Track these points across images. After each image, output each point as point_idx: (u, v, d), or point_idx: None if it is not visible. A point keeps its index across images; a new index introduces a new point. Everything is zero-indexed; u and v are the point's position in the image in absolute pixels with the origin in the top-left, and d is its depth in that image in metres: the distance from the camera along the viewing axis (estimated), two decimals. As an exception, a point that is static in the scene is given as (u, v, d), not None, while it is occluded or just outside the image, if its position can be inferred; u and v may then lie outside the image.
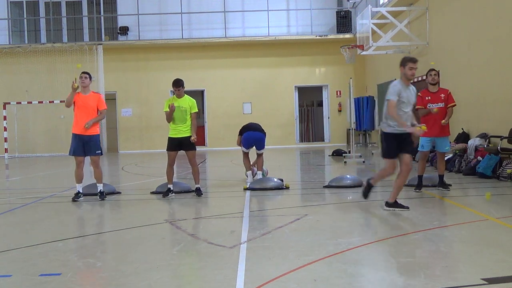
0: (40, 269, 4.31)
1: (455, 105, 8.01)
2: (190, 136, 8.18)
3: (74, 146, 8.00)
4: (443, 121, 7.84)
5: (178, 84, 8.13)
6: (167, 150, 8.33)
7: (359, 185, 8.49)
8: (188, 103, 8.15)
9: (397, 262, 4.23)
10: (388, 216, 6.53)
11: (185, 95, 8.25)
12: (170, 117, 8.11)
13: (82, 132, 7.91)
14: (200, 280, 4.02)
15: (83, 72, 8.12)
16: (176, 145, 8.21)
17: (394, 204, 6.51)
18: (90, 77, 8.16)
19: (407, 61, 6.71)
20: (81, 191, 8.12)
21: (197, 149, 8.39)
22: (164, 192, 8.27)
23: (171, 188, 8.27)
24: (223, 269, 4.22)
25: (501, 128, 10.16)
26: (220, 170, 13.15)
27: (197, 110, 8.31)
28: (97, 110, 8.06)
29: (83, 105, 7.96)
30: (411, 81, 6.81)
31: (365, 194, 6.96)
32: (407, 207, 6.45)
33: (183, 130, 8.15)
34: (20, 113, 21.20)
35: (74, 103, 7.99)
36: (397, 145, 6.46)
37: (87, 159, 8.21)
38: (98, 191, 8.12)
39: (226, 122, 21.21)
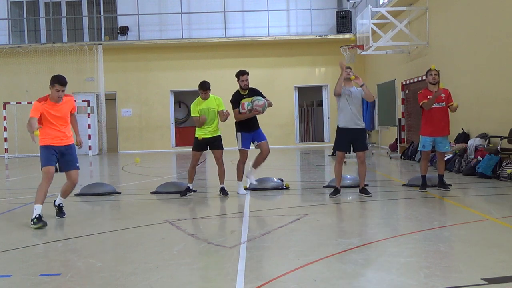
0: (40, 269, 4.31)
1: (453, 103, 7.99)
2: (217, 136, 8.25)
3: (47, 156, 6.50)
4: (454, 104, 7.84)
5: (205, 87, 8.13)
6: (193, 150, 8.31)
7: (359, 185, 8.50)
8: (215, 102, 8.17)
9: (397, 262, 4.23)
10: (388, 216, 6.54)
11: (210, 95, 8.24)
12: (201, 124, 8.11)
13: (59, 142, 6.48)
14: (200, 280, 4.02)
15: (61, 84, 6.25)
16: (203, 145, 8.23)
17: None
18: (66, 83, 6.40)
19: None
20: (41, 213, 6.20)
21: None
22: (182, 192, 8.30)
23: (191, 188, 8.30)
24: (223, 269, 4.22)
25: (501, 128, 10.16)
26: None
27: (224, 108, 8.21)
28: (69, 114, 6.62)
29: (57, 115, 6.38)
30: None
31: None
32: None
33: (211, 130, 8.19)
34: (20, 113, 21.18)
35: (40, 115, 6.32)
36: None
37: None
38: (57, 204, 6.83)
39: (226, 122, 21.16)
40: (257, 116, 8.30)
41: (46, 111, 6.31)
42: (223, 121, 8.20)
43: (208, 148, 8.30)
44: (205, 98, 8.15)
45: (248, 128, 8.26)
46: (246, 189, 8.63)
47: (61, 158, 6.57)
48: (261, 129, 8.43)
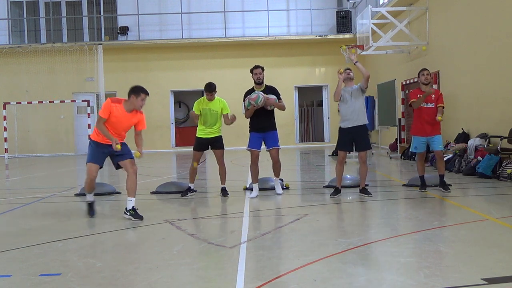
0: (40, 269, 4.31)
1: (443, 106, 7.86)
2: (219, 136, 8.23)
3: (95, 152, 6.58)
4: (438, 117, 7.73)
5: (210, 88, 8.09)
6: (194, 149, 8.31)
7: (359, 185, 8.50)
8: (219, 105, 8.14)
9: (397, 262, 4.23)
10: (388, 216, 6.54)
11: (216, 97, 8.20)
12: (195, 121, 8.21)
13: (109, 142, 6.44)
14: (200, 280, 4.02)
15: (146, 93, 6.47)
16: (204, 145, 8.23)
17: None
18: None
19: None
20: (92, 199, 6.85)
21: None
22: (183, 191, 8.31)
23: (192, 187, 8.31)
24: (223, 269, 4.23)
25: (501, 128, 10.16)
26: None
27: (229, 111, 8.16)
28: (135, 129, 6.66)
29: (120, 122, 6.45)
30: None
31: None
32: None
33: (212, 131, 8.18)
34: (20, 113, 21.21)
35: (110, 116, 6.38)
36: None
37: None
38: (131, 207, 6.48)
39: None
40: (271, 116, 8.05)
41: (113, 113, 6.34)
42: (228, 124, 8.12)
43: (210, 148, 8.30)
44: (210, 99, 8.13)
45: (258, 127, 7.97)
46: (245, 189, 8.64)
47: (113, 154, 6.57)
48: (276, 132, 8.04)
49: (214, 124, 8.14)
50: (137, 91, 6.42)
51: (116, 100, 6.45)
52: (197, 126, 8.29)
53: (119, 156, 6.60)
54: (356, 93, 7.72)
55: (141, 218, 6.39)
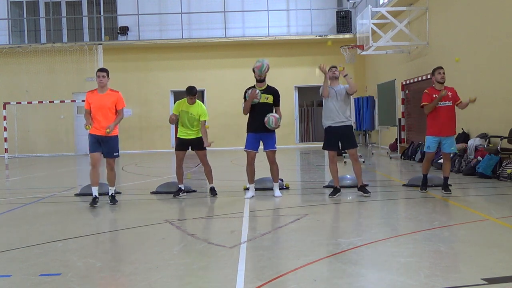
0: (40, 269, 4.31)
1: (461, 101, 7.82)
2: (199, 137, 8.28)
3: (91, 143, 7.52)
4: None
5: (192, 92, 8.16)
6: (176, 150, 8.42)
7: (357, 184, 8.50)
8: (198, 110, 8.19)
9: (397, 262, 4.23)
10: (388, 216, 6.55)
11: (197, 101, 8.29)
12: (172, 123, 8.38)
13: (101, 133, 7.46)
14: (200, 280, 4.02)
15: (100, 70, 7.57)
16: (184, 145, 8.29)
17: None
18: (108, 74, 7.55)
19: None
20: (97, 195, 7.57)
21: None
22: (175, 192, 8.34)
23: (182, 188, 8.35)
24: (223, 269, 4.22)
25: (501, 128, 10.16)
26: (220, 170, 13.15)
27: (207, 118, 8.30)
28: (115, 109, 7.56)
29: (100, 105, 7.43)
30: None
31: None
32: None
33: (191, 132, 8.25)
34: (20, 113, 21.21)
35: (89, 104, 7.49)
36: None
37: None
38: (110, 194, 7.66)
39: (226, 122, 21.19)
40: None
41: (91, 101, 7.49)
42: (202, 133, 8.19)
43: (191, 149, 8.35)
44: (191, 103, 8.21)
45: (255, 128, 7.85)
46: (246, 189, 8.64)
47: (103, 145, 7.56)
48: (274, 133, 7.89)
49: (192, 126, 8.21)
50: (96, 72, 7.66)
51: (91, 91, 7.66)
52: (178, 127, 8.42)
53: (107, 151, 7.60)
54: (341, 94, 7.73)
55: (115, 202, 7.64)
